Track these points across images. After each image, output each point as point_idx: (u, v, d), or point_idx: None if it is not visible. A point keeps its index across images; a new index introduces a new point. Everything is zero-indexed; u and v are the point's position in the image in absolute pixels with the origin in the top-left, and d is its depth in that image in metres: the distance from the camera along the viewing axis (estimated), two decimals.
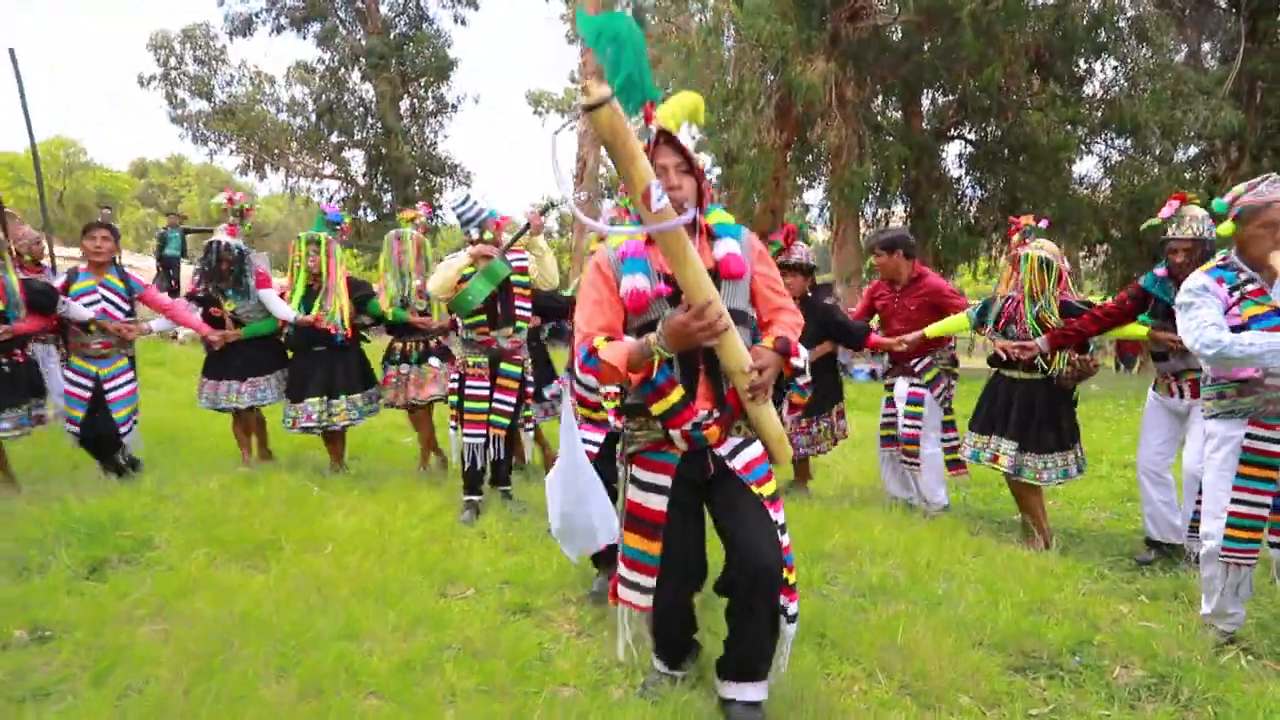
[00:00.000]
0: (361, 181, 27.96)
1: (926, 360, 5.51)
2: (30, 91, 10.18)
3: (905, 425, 5.50)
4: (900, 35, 19.07)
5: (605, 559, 4.38)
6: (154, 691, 2.82)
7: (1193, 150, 21.37)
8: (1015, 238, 5.04)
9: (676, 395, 2.54)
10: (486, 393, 5.30)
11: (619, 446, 2.84)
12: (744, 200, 17.94)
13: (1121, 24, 18.17)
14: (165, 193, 52.93)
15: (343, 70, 27.28)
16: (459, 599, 3.80)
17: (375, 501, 5.30)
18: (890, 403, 5.73)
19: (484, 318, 5.25)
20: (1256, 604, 3.80)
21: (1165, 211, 4.42)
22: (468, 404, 5.29)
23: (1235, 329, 3.33)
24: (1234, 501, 3.40)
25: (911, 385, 5.53)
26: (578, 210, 2.46)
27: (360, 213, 27.06)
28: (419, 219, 6.84)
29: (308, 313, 6.18)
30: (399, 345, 6.49)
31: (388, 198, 27.37)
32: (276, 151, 27.66)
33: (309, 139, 27.75)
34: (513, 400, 5.39)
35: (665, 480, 2.65)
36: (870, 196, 20.82)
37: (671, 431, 2.59)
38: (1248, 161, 19.30)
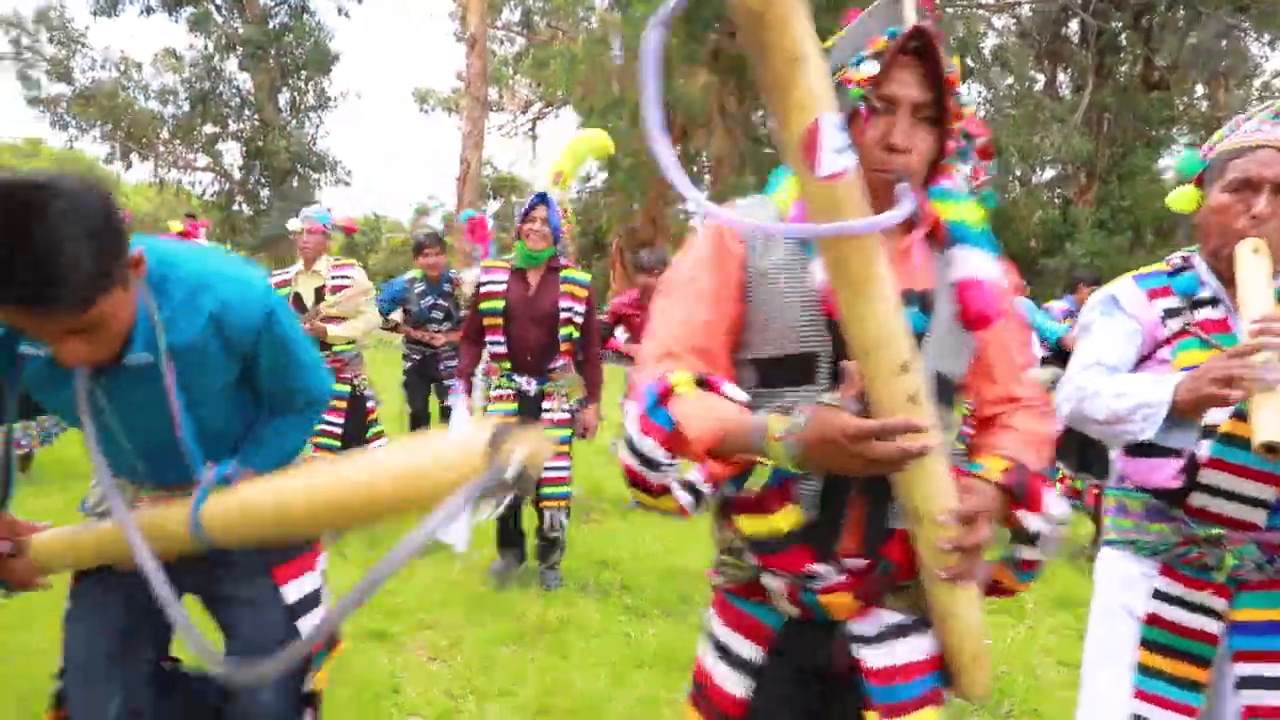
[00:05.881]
0: (236, 175, 26.98)
1: None
2: None
3: None
4: None
5: (507, 539, 4.45)
6: None
7: (1049, 173, 22.79)
8: None
9: (784, 521, 1.36)
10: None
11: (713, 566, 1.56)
12: (624, 208, 18.19)
13: (985, 52, 19.26)
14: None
15: (218, 59, 26.24)
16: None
17: None
18: None
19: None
20: (1076, 615, 4.11)
21: None
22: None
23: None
24: None
25: None
26: (704, 203, 1.22)
27: (235, 207, 26.13)
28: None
29: None
30: None
31: (264, 192, 26.50)
32: (144, 140, 26.38)
33: (180, 129, 26.59)
34: (338, 420, 5.16)
35: (755, 653, 1.46)
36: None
37: (768, 578, 1.42)
38: (1097, 185, 20.73)
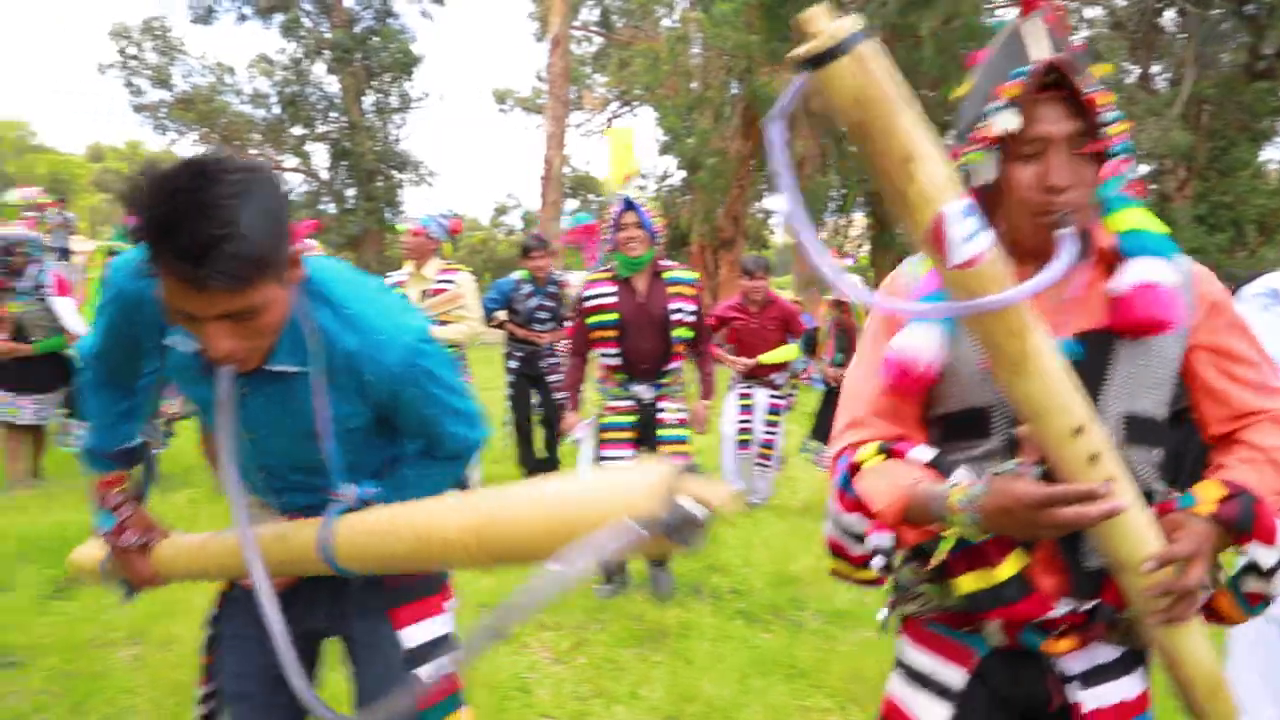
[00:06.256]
0: (324, 175, 27.76)
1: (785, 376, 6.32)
2: None
3: (766, 431, 6.19)
4: None
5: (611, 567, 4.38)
6: None
7: (1144, 168, 21.98)
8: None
9: (1007, 570, 1.32)
10: None
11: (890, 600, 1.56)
12: (706, 207, 18.16)
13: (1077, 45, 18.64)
14: (121, 178, 51.90)
15: (306, 63, 27.05)
16: None
17: None
18: (746, 409, 6.25)
19: None
20: None
21: None
22: None
23: None
24: None
25: (771, 397, 6.22)
26: (861, 290, 1.30)
27: (321, 206, 26.89)
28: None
29: None
30: None
31: (350, 192, 27.24)
32: (237, 143, 27.36)
33: (271, 131, 27.53)
34: None
35: (958, 679, 1.42)
36: (831, 206, 21.19)
37: (986, 621, 1.39)
38: (1196, 181, 19.92)
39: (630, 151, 5.59)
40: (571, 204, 29.97)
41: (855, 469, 1.34)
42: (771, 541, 5.10)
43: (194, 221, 1.16)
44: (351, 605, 1.69)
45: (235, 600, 1.71)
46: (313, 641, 1.75)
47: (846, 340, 6.21)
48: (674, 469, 1.16)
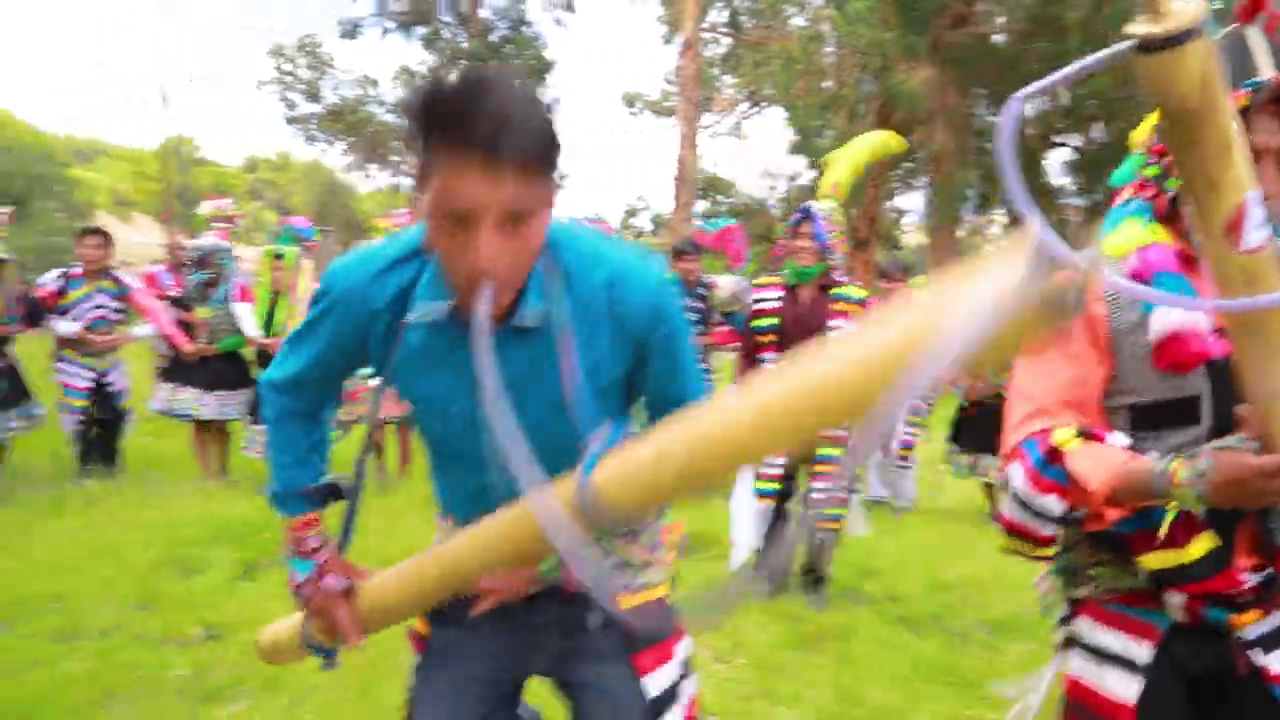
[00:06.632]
0: None
1: None
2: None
3: (905, 432, 6.22)
4: (1004, 42, 18.69)
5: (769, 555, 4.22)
6: (324, 699, 3.08)
7: None
8: None
9: (1200, 548, 1.37)
10: None
11: (1054, 580, 1.63)
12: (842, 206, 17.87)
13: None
14: (273, 188, 55.31)
15: (444, 72, 28.12)
16: None
17: None
18: None
19: None
20: None
21: None
22: None
23: None
24: None
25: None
26: (1098, 262, 0.94)
27: None
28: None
29: (268, 330, 6.12)
30: None
31: None
32: (380, 151, 28.75)
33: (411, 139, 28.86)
34: None
35: (1143, 651, 1.47)
36: (969, 203, 20.53)
37: (1170, 595, 1.44)
38: None
39: (858, 168, 5.50)
40: (701, 205, 30.05)
41: (1053, 452, 1.38)
42: (923, 548, 5.00)
43: (490, 105, 1.15)
44: (586, 647, 1.52)
45: (436, 654, 1.57)
46: (520, 684, 1.62)
47: None
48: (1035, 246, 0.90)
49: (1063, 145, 21.38)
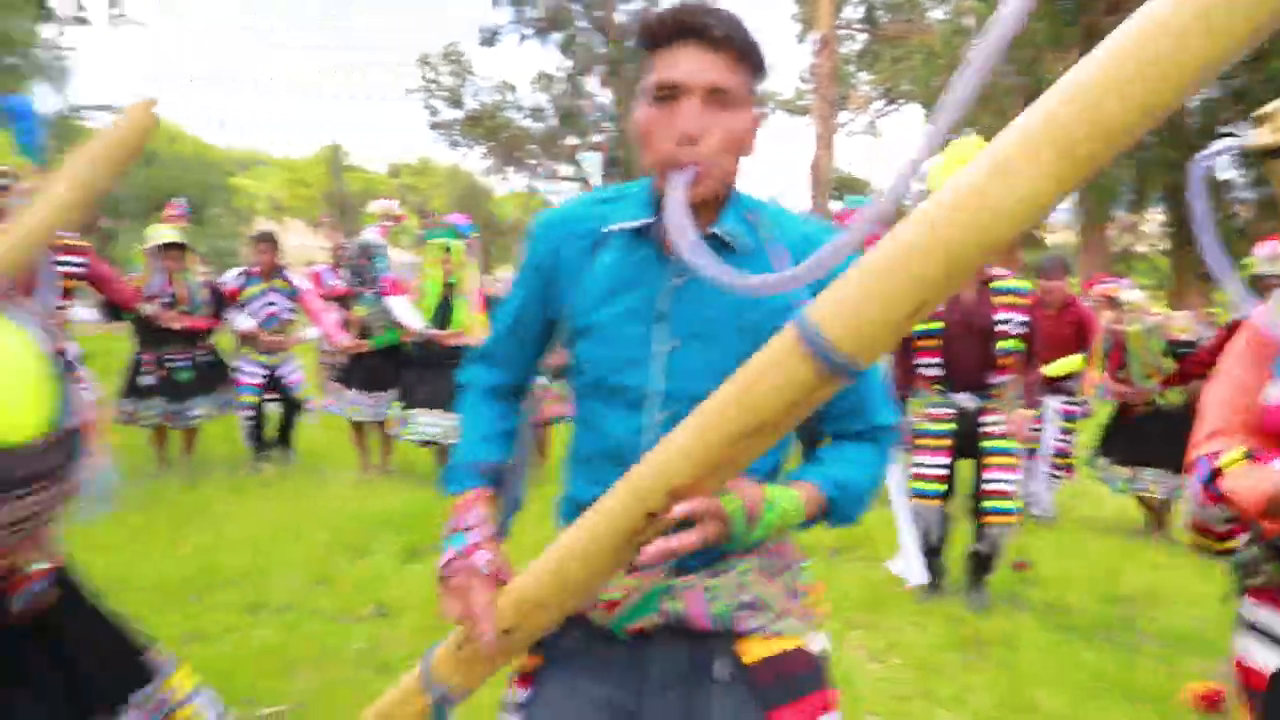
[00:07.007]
0: (595, 182, 29.35)
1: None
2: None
3: (1058, 440, 6.00)
4: None
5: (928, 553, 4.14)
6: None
7: None
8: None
9: None
10: None
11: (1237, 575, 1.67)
12: None
13: None
14: (414, 192, 57.75)
15: (580, 77, 28.75)
16: None
17: None
18: (1035, 418, 5.86)
19: None
20: None
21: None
22: None
23: None
24: None
25: (1065, 403, 6.02)
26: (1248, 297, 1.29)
27: None
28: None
29: (442, 324, 6.13)
30: None
31: None
32: (518, 154, 29.64)
33: (547, 141, 29.57)
34: None
35: None
36: (1122, 200, 19.48)
37: None
38: None
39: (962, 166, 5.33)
40: (835, 205, 29.61)
41: (1217, 472, 1.55)
42: (1088, 557, 4.80)
43: (709, 8, 1.27)
44: (712, 703, 1.32)
45: (547, 683, 1.39)
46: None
47: (1120, 353, 5.91)
48: None
49: (1231, 135, 19.98)
